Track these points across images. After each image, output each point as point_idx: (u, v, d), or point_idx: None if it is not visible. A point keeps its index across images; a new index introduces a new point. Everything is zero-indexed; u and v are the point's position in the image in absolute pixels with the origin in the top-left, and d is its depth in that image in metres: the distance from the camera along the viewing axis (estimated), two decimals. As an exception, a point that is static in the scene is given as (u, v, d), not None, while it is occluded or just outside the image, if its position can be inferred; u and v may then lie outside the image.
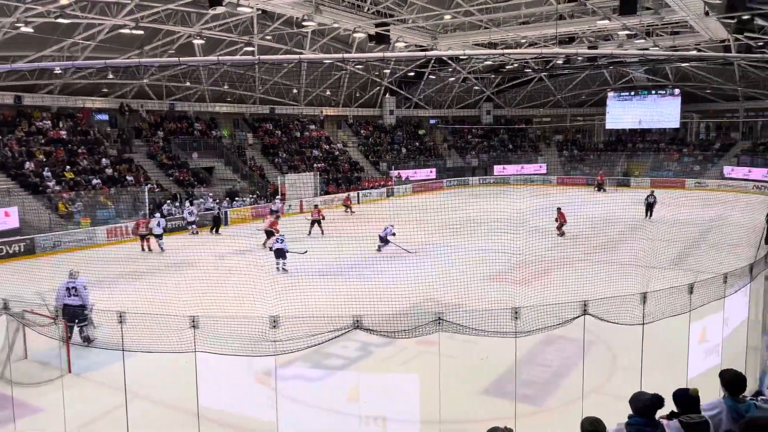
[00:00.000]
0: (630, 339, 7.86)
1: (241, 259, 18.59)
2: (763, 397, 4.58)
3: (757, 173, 36.96)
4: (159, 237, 21.21)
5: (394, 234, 19.43)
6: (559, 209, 21.87)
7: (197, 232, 24.47)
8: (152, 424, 8.14)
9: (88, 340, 10.61)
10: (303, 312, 7.68)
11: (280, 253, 17.14)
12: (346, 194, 32.62)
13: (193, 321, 6.30)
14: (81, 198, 25.35)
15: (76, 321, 10.48)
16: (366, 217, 21.22)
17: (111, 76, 29.88)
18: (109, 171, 27.96)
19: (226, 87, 35.48)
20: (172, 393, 8.93)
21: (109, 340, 10.81)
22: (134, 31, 24.74)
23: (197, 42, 26.98)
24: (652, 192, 25.98)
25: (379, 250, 19.15)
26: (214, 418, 7.31)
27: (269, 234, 19.84)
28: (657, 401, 4.13)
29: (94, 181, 26.75)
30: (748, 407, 4.17)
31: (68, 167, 26.87)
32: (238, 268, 16.90)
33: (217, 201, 28.97)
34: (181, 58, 13.11)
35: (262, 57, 17.05)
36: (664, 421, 4.13)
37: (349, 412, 6.82)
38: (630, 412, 4.25)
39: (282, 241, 17.39)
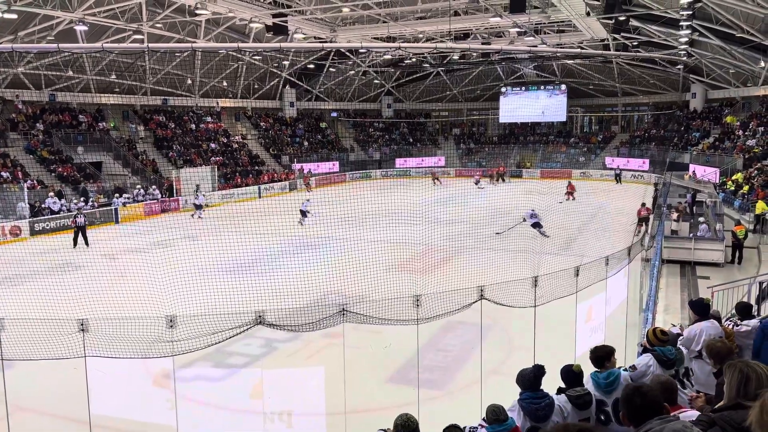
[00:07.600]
0: (524, 321, 8.29)
1: (133, 257, 17.68)
2: (632, 365, 5.03)
3: (634, 163, 40.07)
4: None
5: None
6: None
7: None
8: (38, 438, 7.59)
9: None
10: (202, 310, 7.43)
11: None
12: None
13: (82, 324, 5.91)
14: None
15: None
16: (268, 211, 20.86)
17: (-20, 63, 27.31)
18: (-20, 167, 25.61)
19: (113, 77, 33.39)
20: (61, 402, 8.38)
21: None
22: (6, 15, 22.69)
23: (80, 28, 25.16)
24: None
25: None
26: (109, 426, 6.93)
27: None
28: (538, 371, 4.42)
29: (-36, 178, 24.43)
30: (608, 375, 4.55)
31: (-69, 163, 24.34)
32: (130, 267, 16.09)
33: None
34: (60, 45, 12.19)
35: (151, 45, 16.25)
36: (555, 396, 4.41)
37: (253, 410, 6.70)
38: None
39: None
